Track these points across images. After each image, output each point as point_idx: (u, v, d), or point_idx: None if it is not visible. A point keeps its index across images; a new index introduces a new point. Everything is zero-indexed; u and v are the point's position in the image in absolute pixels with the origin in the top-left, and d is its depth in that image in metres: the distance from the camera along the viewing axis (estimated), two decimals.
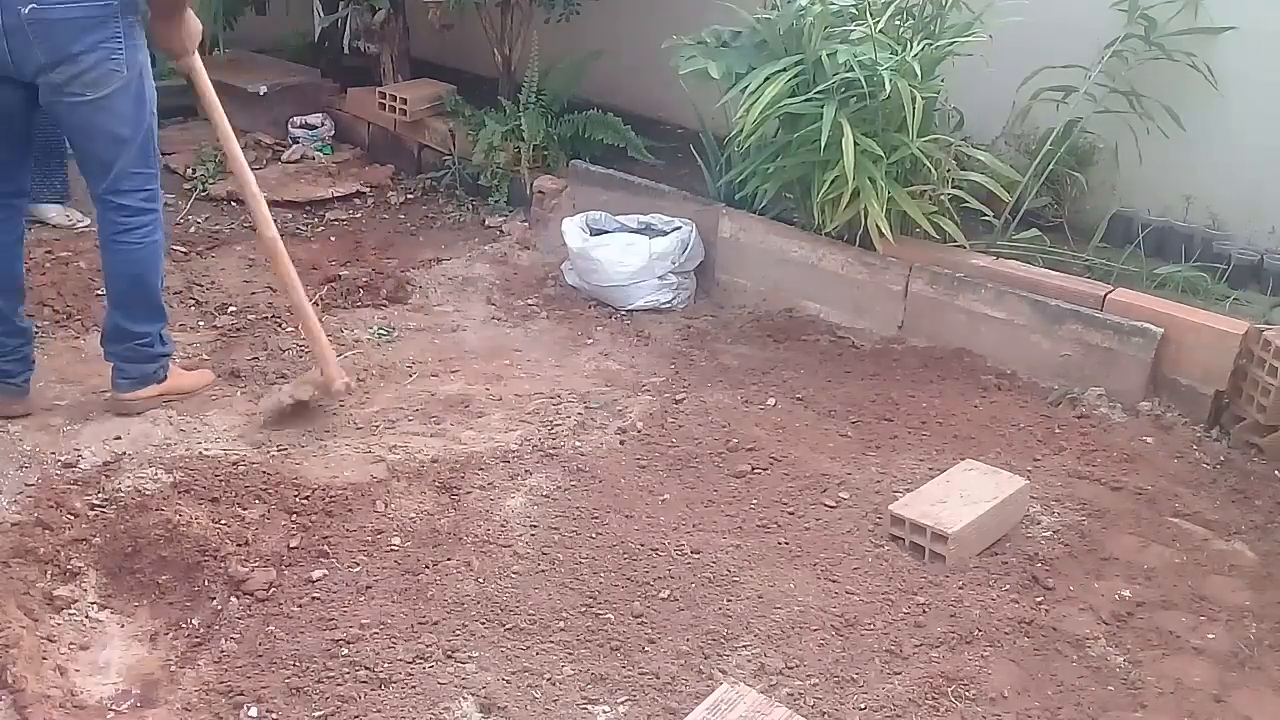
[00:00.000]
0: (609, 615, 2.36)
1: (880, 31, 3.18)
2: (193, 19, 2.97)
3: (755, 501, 2.73)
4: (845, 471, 2.83)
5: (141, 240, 2.90)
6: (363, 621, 2.32)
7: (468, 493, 2.72)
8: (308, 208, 4.57)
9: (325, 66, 5.34)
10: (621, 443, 2.96)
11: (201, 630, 2.37)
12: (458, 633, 2.31)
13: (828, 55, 3.17)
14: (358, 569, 2.48)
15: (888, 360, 3.38)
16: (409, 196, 4.70)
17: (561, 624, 2.34)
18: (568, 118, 4.43)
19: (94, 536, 2.53)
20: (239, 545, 2.52)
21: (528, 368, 3.40)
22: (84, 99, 2.71)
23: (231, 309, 3.74)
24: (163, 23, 2.88)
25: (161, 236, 2.97)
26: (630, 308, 3.74)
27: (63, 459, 2.79)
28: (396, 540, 2.57)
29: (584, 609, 2.38)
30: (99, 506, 2.61)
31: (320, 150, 4.95)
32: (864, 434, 3.01)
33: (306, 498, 2.68)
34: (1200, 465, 2.91)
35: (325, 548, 2.54)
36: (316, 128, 4.99)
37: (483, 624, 2.33)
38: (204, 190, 4.55)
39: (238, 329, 3.61)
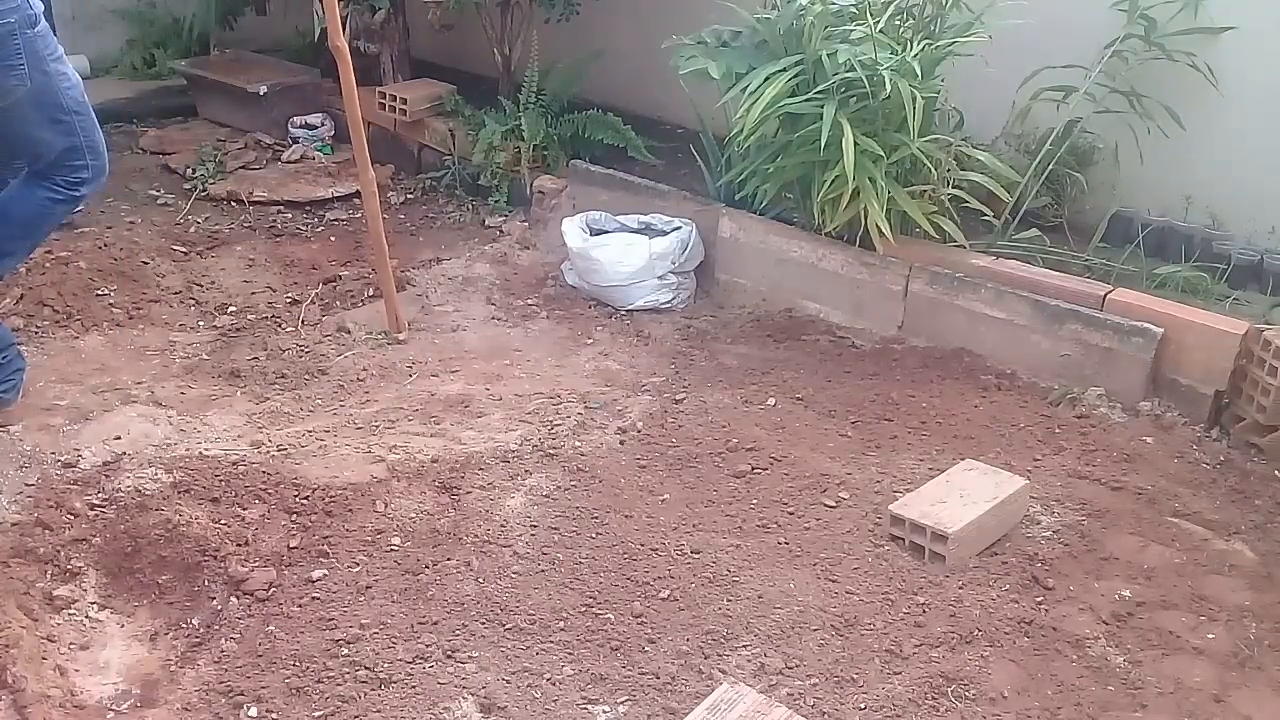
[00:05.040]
0: (609, 615, 2.36)
1: (880, 31, 3.18)
2: None
3: (755, 501, 2.73)
4: (845, 471, 2.83)
5: (52, 207, 3.02)
6: (363, 621, 2.32)
7: (468, 493, 2.72)
8: (308, 208, 4.57)
9: (325, 66, 5.34)
10: (621, 443, 2.96)
11: (201, 630, 2.37)
12: (458, 633, 2.31)
13: (828, 55, 3.17)
14: (358, 569, 2.48)
15: (888, 360, 3.38)
16: (409, 196, 4.70)
17: (561, 624, 2.34)
18: (568, 118, 4.42)
19: (94, 536, 2.53)
20: (239, 545, 2.52)
21: (528, 368, 3.40)
22: None
23: (231, 309, 3.74)
24: None
25: (69, 211, 3.10)
26: (630, 308, 3.74)
27: (63, 459, 2.79)
28: (396, 540, 2.57)
29: (584, 609, 2.38)
30: (99, 506, 2.61)
31: (320, 150, 4.94)
32: (864, 434, 3.01)
33: (306, 498, 2.68)
34: (1200, 465, 2.91)
35: (325, 548, 2.54)
36: (316, 128, 4.99)
37: (483, 624, 2.33)
38: (204, 190, 4.55)
39: (238, 329, 3.61)
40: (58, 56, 2.88)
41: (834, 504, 2.71)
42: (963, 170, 3.45)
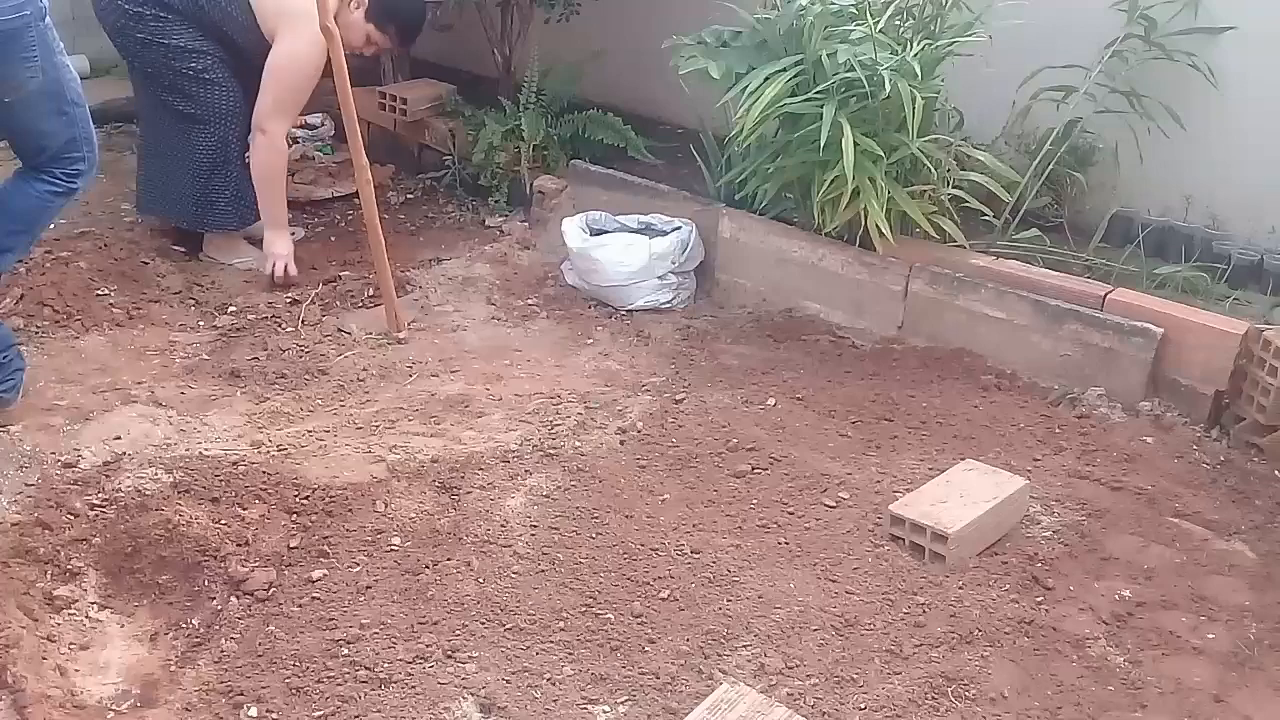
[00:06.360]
0: (609, 615, 2.36)
1: (880, 31, 3.18)
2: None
3: (755, 501, 2.73)
4: (845, 471, 2.83)
5: (51, 200, 3.03)
6: (363, 621, 2.32)
7: (468, 493, 2.72)
8: (308, 208, 4.57)
9: (325, 67, 5.33)
10: (621, 443, 2.96)
11: (201, 630, 2.37)
12: (458, 633, 2.31)
13: (828, 55, 3.17)
14: (358, 569, 2.48)
15: (888, 360, 3.38)
16: (409, 196, 4.69)
17: (561, 624, 2.34)
18: (568, 118, 4.42)
19: (94, 536, 2.53)
20: (239, 545, 2.52)
21: (528, 368, 3.40)
22: (3, 101, 2.83)
23: (231, 309, 3.74)
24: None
25: (66, 203, 3.10)
26: (630, 308, 3.74)
27: (63, 459, 2.79)
28: (396, 540, 2.57)
29: (584, 609, 2.38)
30: (99, 506, 2.61)
31: (320, 150, 4.94)
32: (864, 434, 3.01)
33: (306, 498, 2.68)
34: (1200, 465, 2.91)
35: (325, 548, 2.54)
36: (317, 128, 4.99)
37: (483, 624, 2.33)
38: None
39: (238, 329, 3.61)
40: (62, 49, 2.90)
41: (834, 504, 2.71)
42: (963, 170, 3.45)
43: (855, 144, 3.13)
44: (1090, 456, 2.91)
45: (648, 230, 3.86)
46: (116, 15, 3.73)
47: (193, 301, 3.77)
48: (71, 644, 2.31)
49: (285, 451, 2.88)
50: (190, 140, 3.88)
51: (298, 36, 3.64)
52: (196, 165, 3.90)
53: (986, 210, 3.46)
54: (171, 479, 2.70)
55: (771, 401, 3.16)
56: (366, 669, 2.21)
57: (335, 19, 3.69)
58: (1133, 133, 3.50)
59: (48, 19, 2.81)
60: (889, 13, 3.25)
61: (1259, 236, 3.45)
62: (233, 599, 2.42)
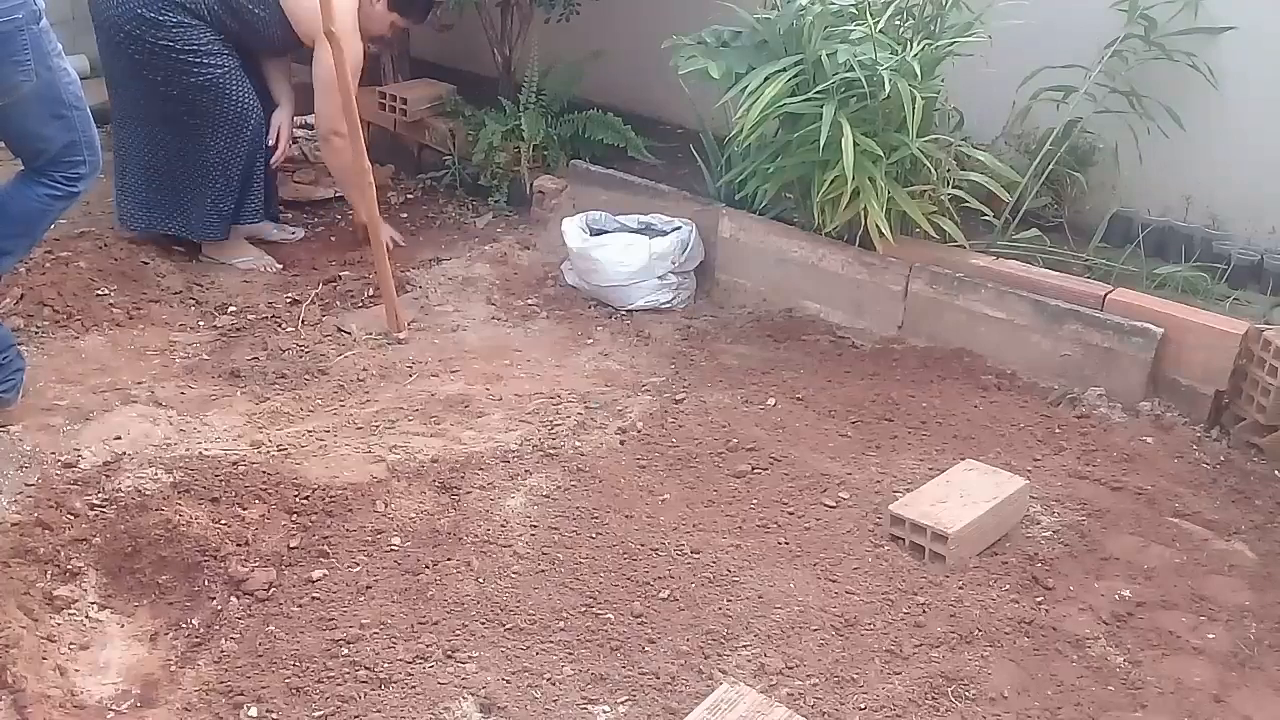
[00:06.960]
0: (609, 615, 2.36)
1: (880, 31, 3.18)
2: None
3: (755, 501, 2.73)
4: (845, 471, 2.83)
5: (51, 204, 3.02)
6: (363, 621, 2.33)
7: (468, 493, 2.72)
8: (308, 208, 4.57)
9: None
10: (621, 443, 2.96)
11: (201, 630, 2.37)
12: (458, 633, 2.31)
13: (828, 55, 3.17)
14: (358, 569, 2.48)
15: (888, 360, 3.39)
16: (409, 196, 4.69)
17: (561, 624, 2.34)
18: (568, 118, 4.43)
19: (94, 536, 2.53)
20: (239, 545, 2.52)
21: (528, 368, 3.40)
22: None
23: (231, 309, 3.74)
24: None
25: (67, 207, 3.09)
26: (630, 308, 3.74)
27: (63, 459, 2.79)
28: (396, 540, 2.57)
29: (584, 609, 2.38)
30: (99, 506, 2.61)
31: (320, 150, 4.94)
32: (864, 434, 3.01)
33: (306, 498, 2.68)
34: (1200, 465, 2.91)
35: (325, 548, 2.54)
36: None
37: (483, 624, 2.33)
38: None
39: (238, 329, 3.61)
40: (59, 52, 2.90)
41: (834, 504, 2.71)
42: (963, 170, 3.45)
43: (855, 144, 3.13)
44: (1090, 456, 2.91)
45: (648, 230, 3.86)
46: (131, 21, 3.69)
47: (193, 301, 3.77)
48: (71, 644, 2.32)
49: (285, 451, 2.88)
50: (198, 150, 3.86)
51: (344, 42, 3.66)
52: (205, 174, 3.89)
53: (986, 210, 3.46)
54: (171, 479, 2.70)
55: (771, 401, 3.16)
56: (366, 669, 2.21)
57: (359, 13, 3.82)
58: (1133, 133, 3.50)
59: (43, 22, 2.81)
60: (889, 13, 3.25)
61: (1259, 236, 3.46)
62: (233, 599, 2.42)
